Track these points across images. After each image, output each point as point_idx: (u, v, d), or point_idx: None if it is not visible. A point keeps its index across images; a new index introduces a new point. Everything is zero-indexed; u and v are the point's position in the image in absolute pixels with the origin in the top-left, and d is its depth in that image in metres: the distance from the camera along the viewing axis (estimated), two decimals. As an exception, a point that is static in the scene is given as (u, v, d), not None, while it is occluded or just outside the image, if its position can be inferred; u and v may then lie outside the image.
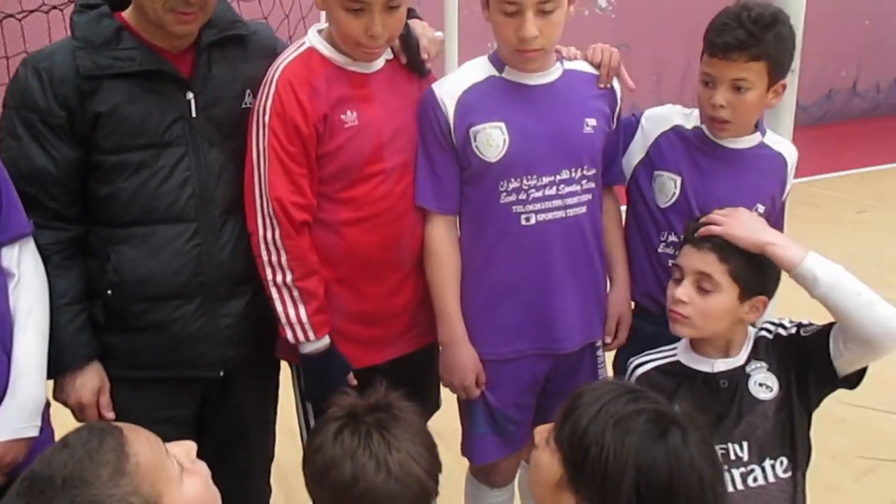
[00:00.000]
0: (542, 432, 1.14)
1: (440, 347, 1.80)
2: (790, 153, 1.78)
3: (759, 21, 1.59)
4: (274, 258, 1.61)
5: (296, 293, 1.62)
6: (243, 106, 1.65)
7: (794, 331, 1.53)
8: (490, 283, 1.74)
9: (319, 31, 1.66)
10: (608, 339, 1.84)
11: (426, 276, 1.75)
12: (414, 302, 1.77)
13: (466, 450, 1.89)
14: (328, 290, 1.67)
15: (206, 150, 1.60)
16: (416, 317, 1.79)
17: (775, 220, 1.79)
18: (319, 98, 1.59)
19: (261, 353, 1.73)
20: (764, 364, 1.52)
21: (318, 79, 1.60)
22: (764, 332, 1.56)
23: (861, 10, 8.84)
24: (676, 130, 1.76)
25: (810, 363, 1.48)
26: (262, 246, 1.61)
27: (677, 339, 1.60)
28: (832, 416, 1.80)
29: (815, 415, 1.56)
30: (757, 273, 1.47)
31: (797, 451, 1.50)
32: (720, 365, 1.53)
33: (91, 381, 1.59)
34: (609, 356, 1.92)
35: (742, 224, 1.47)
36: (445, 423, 2.03)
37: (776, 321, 1.57)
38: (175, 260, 1.59)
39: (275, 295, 1.63)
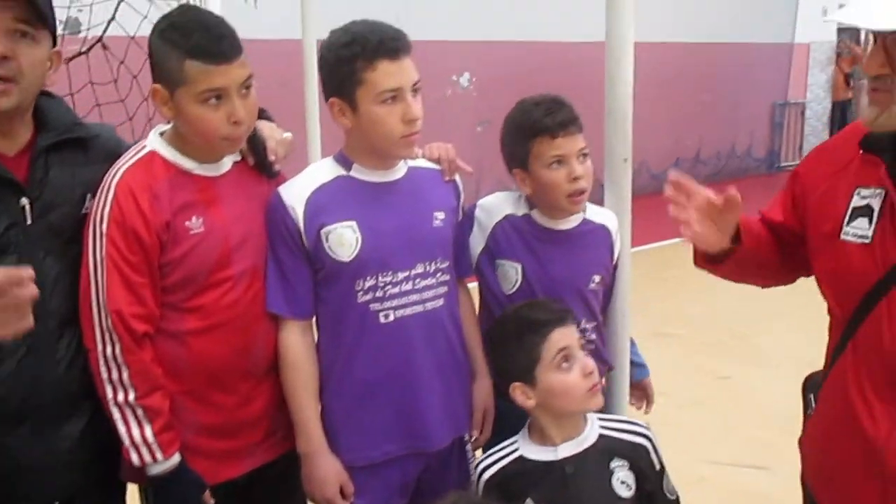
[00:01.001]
0: None
1: (301, 459, 1.72)
2: (612, 222, 1.86)
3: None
4: (115, 375, 1.51)
5: (140, 411, 1.52)
6: (83, 212, 1.56)
7: (660, 476, 1.58)
8: (353, 385, 1.70)
9: (161, 134, 1.62)
10: (475, 433, 1.82)
11: (281, 384, 1.69)
12: (271, 408, 1.70)
13: None
14: (176, 404, 1.57)
15: (40, 259, 1.49)
16: (275, 423, 1.72)
17: (609, 286, 1.88)
18: (161, 204, 1.53)
19: (103, 477, 1.60)
20: (626, 462, 1.55)
21: (161, 184, 1.55)
22: (631, 437, 1.59)
23: (700, 86, 9.71)
24: (509, 219, 1.82)
25: None
26: (102, 362, 1.51)
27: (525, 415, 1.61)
28: (692, 475, 1.88)
29: (677, 474, 1.63)
30: None
31: None
32: (564, 450, 1.54)
33: None
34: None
35: None
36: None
37: (650, 435, 1.60)
38: (4, 383, 1.45)
39: (117, 415, 1.52)
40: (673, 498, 1.60)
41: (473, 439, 1.83)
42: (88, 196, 1.56)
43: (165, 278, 1.56)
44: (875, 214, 1.39)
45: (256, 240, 1.65)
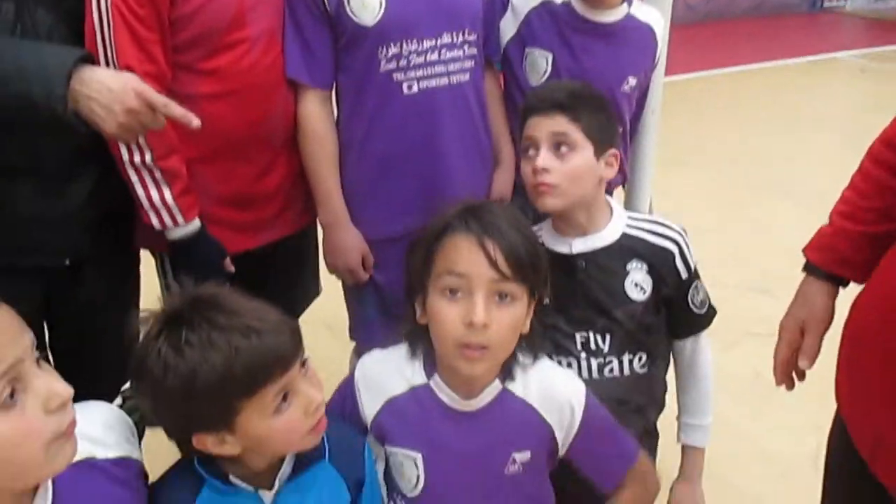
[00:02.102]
0: None
1: (322, 231, 1.70)
2: (657, 22, 1.74)
3: None
4: None
5: (158, 174, 1.46)
6: None
7: (686, 286, 1.50)
8: (373, 158, 1.64)
9: None
10: None
11: (301, 155, 1.63)
12: (288, 182, 1.65)
13: (355, 333, 1.83)
14: (191, 172, 1.51)
15: (31, 9, 1.35)
16: (291, 197, 1.67)
17: (644, 91, 1.78)
18: None
19: (115, 242, 1.56)
20: (645, 265, 1.47)
21: None
22: (658, 239, 1.49)
23: None
24: (546, 6, 1.69)
25: (668, 313, 1.52)
26: None
27: (542, 215, 1.54)
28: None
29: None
30: (606, 125, 1.45)
31: (659, 349, 1.52)
32: (578, 245, 1.47)
33: None
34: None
35: None
36: (333, 313, 1.98)
37: (680, 242, 1.50)
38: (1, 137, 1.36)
39: (133, 177, 1.46)
40: (701, 312, 1.52)
41: None
42: None
43: (176, 35, 1.45)
44: None
45: (273, 0, 1.53)
